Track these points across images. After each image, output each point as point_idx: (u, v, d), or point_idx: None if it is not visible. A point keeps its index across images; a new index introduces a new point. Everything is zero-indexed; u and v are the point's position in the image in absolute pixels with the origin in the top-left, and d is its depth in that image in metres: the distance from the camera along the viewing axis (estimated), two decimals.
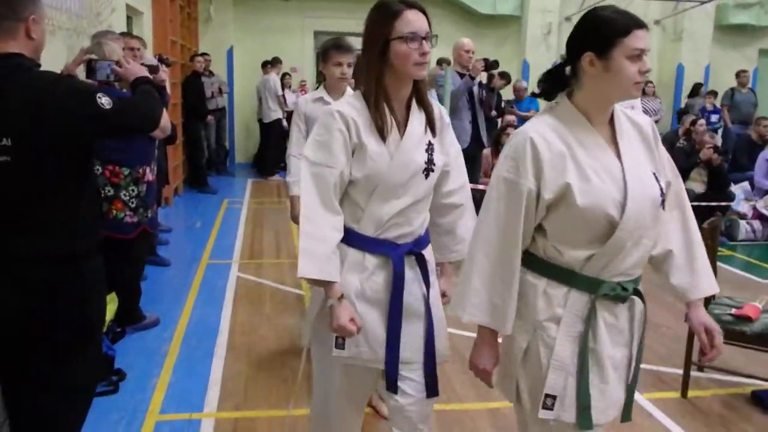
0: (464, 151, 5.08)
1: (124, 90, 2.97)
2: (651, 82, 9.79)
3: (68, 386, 2.10)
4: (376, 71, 1.82)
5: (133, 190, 3.63)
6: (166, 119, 3.87)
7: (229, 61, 10.68)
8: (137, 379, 3.29)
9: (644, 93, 9.41)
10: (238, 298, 4.60)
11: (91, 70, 2.47)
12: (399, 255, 1.87)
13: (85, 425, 2.51)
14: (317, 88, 3.45)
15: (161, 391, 3.20)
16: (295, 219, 3.14)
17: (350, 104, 1.85)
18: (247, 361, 3.60)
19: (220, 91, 9.47)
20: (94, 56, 2.94)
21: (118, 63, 2.39)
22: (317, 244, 1.78)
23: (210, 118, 9.06)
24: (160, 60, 5.62)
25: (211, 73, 9.39)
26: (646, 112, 9.18)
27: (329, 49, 3.16)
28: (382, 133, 1.82)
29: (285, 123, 9.73)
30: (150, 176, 3.75)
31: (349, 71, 3.13)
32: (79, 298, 2.00)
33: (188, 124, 8.65)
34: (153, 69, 5.05)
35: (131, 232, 3.63)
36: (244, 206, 7.70)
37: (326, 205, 1.80)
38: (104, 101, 1.94)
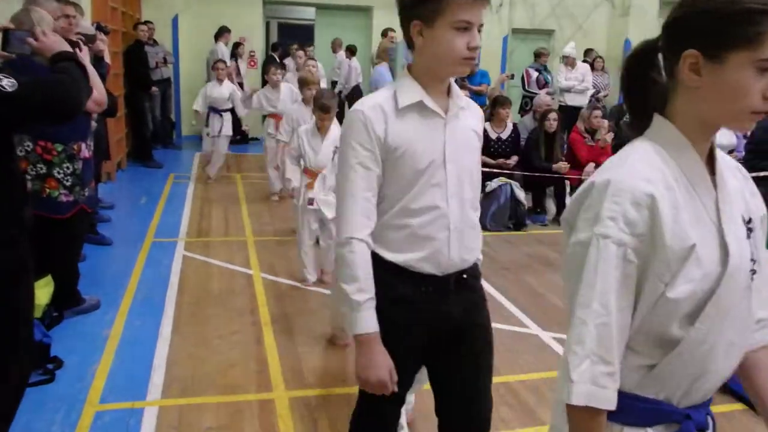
0: None
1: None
2: (600, 57, 9.89)
3: None
4: None
5: (67, 168, 3.43)
6: (102, 92, 3.70)
7: (174, 30, 10.26)
8: (75, 366, 3.15)
9: (593, 68, 9.51)
10: (185, 278, 4.45)
11: (5, 42, 2.26)
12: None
13: (19, 417, 2.39)
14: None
15: (101, 379, 3.06)
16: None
17: None
18: (194, 343, 3.49)
19: (165, 62, 9.11)
20: (11, 26, 2.71)
21: (33, 35, 2.18)
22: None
23: (154, 89, 8.73)
24: (98, 28, 5.35)
25: (155, 42, 9.02)
26: (596, 87, 9.28)
27: None
28: None
29: (239, 93, 9.46)
30: (86, 152, 3.55)
31: (478, 41, 1.56)
32: None
33: (131, 95, 8.32)
34: (90, 38, 4.81)
35: (66, 212, 3.43)
36: (192, 181, 7.46)
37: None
38: (5, 83, 1.79)
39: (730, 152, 7.28)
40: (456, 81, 7.53)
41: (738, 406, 3.03)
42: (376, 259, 1.64)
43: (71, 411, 2.78)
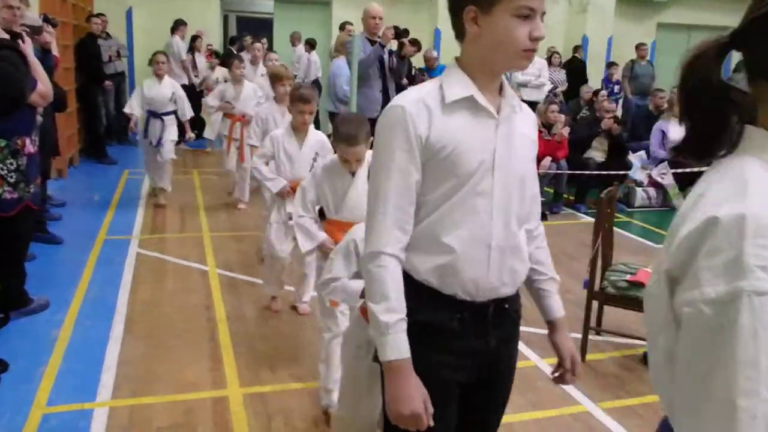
0: (374, 120, 5.12)
1: None
2: (557, 53, 10.02)
3: None
4: None
5: (11, 164, 3.31)
6: (48, 85, 3.59)
7: (128, 23, 10.04)
8: (22, 369, 3.05)
9: (550, 63, 9.63)
10: (138, 276, 4.36)
11: None
12: None
13: None
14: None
15: (49, 381, 2.98)
16: None
17: None
18: (146, 343, 3.42)
19: (119, 55, 8.90)
20: None
21: None
22: None
23: (108, 83, 8.52)
24: (46, 20, 5.19)
25: (109, 36, 8.80)
26: (553, 82, 9.40)
27: None
28: None
29: (201, 88, 9.17)
30: (31, 148, 3.43)
31: (542, 31, 1.40)
32: None
33: (84, 89, 8.11)
34: (36, 30, 4.67)
35: (10, 210, 3.32)
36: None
37: None
38: None
39: None
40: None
41: None
42: (405, 276, 1.43)
43: (17, 414, 2.70)
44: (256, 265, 4.63)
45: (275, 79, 4.74)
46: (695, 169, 7.18)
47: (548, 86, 9.11)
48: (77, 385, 2.95)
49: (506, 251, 1.46)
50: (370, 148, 2.64)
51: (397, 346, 1.38)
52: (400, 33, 5.70)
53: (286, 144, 3.61)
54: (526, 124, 1.54)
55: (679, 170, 7.09)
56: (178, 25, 9.64)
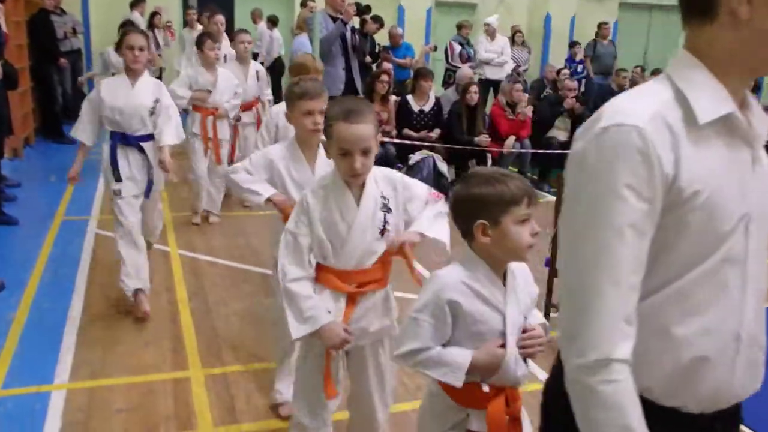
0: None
1: None
2: (521, 32, 10.04)
3: None
4: None
5: None
6: None
7: None
8: None
9: (514, 42, 9.65)
10: (97, 257, 4.28)
11: None
12: None
13: None
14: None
15: (5, 364, 2.92)
16: None
17: None
18: (105, 324, 3.37)
19: (74, 32, 8.62)
20: None
21: None
22: None
23: (63, 61, 8.26)
24: None
25: (63, 11, 8.51)
26: (516, 61, 9.44)
27: None
28: None
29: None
30: None
31: None
32: None
33: (38, 67, 7.84)
34: None
35: None
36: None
37: None
38: None
39: None
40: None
41: None
42: None
43: None
44: (217, 245, 4.58)
45: (300, 71, 3.45)
46: None
47: (510, 64, 9.13)
48: (34, 368, 2.90)
49: (756, 340, 1.05)
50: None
51: None
52: (362, 9, 5.64)
53: (293, 170, 2.43)
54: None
55: None
56: (137, 1, 9.36)
